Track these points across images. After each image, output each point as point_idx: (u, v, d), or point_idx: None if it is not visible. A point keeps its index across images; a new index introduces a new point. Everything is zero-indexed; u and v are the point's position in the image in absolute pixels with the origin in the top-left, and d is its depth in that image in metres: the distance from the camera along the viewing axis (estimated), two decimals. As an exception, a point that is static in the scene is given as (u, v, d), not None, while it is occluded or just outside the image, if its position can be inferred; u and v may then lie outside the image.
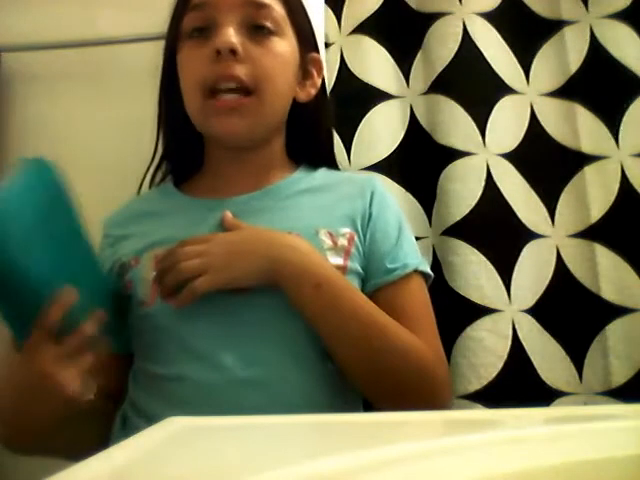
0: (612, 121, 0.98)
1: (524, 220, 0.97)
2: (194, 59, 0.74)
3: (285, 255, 0.68)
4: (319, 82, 0.83)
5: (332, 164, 0.87)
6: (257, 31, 0.74)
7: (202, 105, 0.74)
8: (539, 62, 1.03)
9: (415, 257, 0.77)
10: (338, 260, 0.71)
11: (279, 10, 0.76)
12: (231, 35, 0.71)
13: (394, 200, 0.83)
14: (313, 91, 0.81)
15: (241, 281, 0.68)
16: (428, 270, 0.78)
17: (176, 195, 0.81)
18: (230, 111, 0.72)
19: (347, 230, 0.74)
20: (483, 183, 0.96)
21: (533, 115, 1.02)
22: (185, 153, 0.84)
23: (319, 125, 0.85)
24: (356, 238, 0.74)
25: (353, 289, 0.70)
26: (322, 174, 0.82)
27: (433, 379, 0.70)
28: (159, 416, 0.44)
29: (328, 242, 0.72)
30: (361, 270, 0.73)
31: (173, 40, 0.78)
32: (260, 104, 0.74)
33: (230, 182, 0.78)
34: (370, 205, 0.77)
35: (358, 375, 0.69)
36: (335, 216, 0.75)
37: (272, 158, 0.80)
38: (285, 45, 0.76)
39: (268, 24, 0.74)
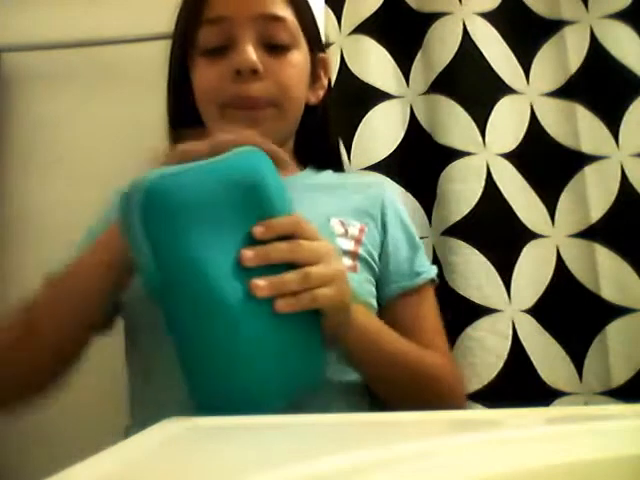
0: (612, 121, 0.98)
1: (524, 220, 0.97)
2: (212, 77, 0.74)
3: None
4: (326, 83, 0.83)
5: (338, 165, 0.87)
6: (274, 46, 0.74)
7: (221, 116, 0.74)
8: (539, 62, 1.03)
9: (429, 263, 0.82)
10: (349, 245, 0.72)
11: (292, 20, 0.76)
12: (251, 53, 0.71)
13: (402, 203, 0.86)
14: (322, 93, 0.82)
15: (341, 307, 0.59)
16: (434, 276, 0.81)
17: None
18: (250, 122, 0.72)
19: (358, 223, 0.75)
20: (483, 183, 0.96)
21: (533, 115, 1.02)
22: None
23: (327, 125, 0.86)
24: (366, 229, 0.75)
25: (388, 330, 0.70)
26: (329, 174, 0.84)
27: (452, 392, 0.75)
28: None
29: (339, 229, 0.73)
30: (371, 261, 0.75)
31: (183, 50, 0.78)
32: (279, 116, 0.74)
33: None
34: (384, 213, 0.79)
35: (390, 399, 0.70)
36: (346, 209, 0.76)
37: None
38: (300, 56, 0.77)
39: (285, 38, 0.74)
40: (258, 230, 0.54)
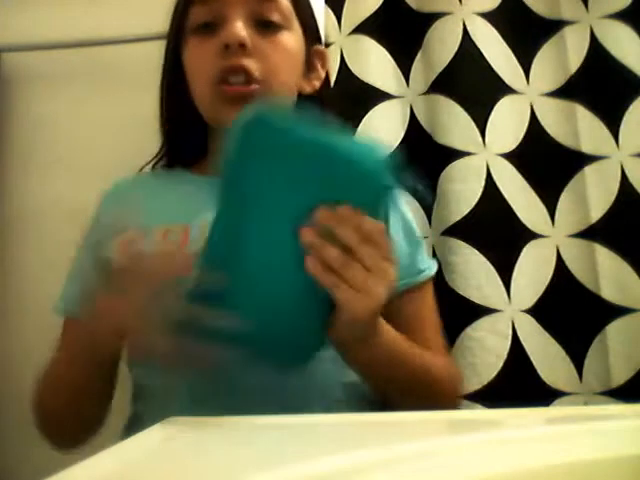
0: (612, 121, 0.98)
1: (524, 220, 0.97)
2: (202, 54, 0.74)
3: None
4: (323, 74, 0.83)
5: None
6: (265, 25, 0.74)
7: (212, 93, 0.73)
8: (539, 62, 1.03)
9: (429, 258, 0.82)
10: None
11: (286, 3, 0.75)
12: (240, 29, 0.71)
13: (402, 198, 0.86)
14: (317, 84, 0.81)
15: (355, 323, 0.57)
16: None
17: (184, 174, 0.81)
18: (240, 100, 0.71)
19: None
20: (483, 183, 0.96)
21: (533, 115, 1.02)
22: (188, 142, 0.83)
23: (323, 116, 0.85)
24: None
25: (400, 346, 0.69)
26: None
27: (454, 393, 0.75)
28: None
29: None
30: None
31: (177, 34, 0.78)
32: (268, 94, 0.73)
33: None
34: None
35: (392, 402, 0.70)
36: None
37: None
38: (292, 39, 0.76)
39: (276, 18, 0.74)
40: (323, 214, 0.52)
